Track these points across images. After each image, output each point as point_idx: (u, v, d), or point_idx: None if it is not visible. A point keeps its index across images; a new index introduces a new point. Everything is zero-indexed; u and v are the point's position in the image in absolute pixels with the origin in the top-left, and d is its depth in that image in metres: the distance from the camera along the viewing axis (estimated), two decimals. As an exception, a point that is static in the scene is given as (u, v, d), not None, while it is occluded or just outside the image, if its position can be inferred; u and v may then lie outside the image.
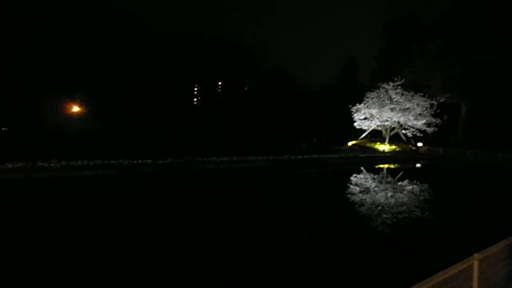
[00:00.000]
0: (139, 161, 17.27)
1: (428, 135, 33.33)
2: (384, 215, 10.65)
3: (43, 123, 32.51)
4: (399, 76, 33.78)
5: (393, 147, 33.46)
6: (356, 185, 17.33)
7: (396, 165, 28.40)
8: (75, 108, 36.92)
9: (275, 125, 51.11)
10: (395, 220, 10.11)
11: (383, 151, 32.49)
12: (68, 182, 13.84)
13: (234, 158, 20.73)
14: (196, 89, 76.56)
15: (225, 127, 49.59)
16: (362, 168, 24.22)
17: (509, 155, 28.42)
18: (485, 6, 34.35)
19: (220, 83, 76.35)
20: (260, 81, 74.86)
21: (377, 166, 26.64)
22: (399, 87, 33.35)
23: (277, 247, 7.44)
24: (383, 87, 33.86)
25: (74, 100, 37.18)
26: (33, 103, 34.25)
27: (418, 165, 30.46)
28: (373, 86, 38.13)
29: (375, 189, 16.07)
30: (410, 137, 34.18)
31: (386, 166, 27.08)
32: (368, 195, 14.19)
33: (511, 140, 30.69)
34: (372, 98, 34.00)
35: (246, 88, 77.00)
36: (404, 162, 29.93)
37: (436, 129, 32.89)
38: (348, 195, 14.66)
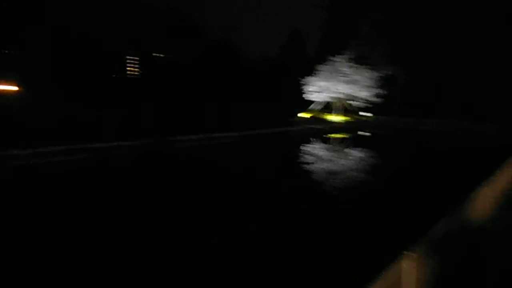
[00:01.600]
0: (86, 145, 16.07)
1: (373, 105, 35.72)
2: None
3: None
4: (347, 50, 35.24)
5: (343, 117, 35.47)
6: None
7: (348, 134, 30.28)
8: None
9: (225, 96, 50.60)
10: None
11: (334, 121, 34.28)
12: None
13: (201, 135, 20.30)
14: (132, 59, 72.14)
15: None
16: (321, 138, 25.48)
17: (441, 121, 32.39)
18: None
19: (160, 54, 72.73)
20: (205, 52, 72.72)
21: (333, 135, 28.20)
22: (348, 59, 34.88)
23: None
24: (333, 60, 35.11)
25: None
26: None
27: (362, 133, 32.69)
28: (320, 57, 39.48)
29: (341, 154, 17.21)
30: (357, 108, 36.33)
31: (341, 135, 28.83)
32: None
33: (442, 107, 34.61)
34: (323, 71, 35.17)
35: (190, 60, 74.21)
36: (354, 131, 32.00)
37: (381, 99, 35.35)
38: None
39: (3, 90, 33.38)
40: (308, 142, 23.34)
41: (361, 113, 36.82)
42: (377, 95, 35.39)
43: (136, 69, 70.74)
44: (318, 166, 14.69)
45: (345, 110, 37.00)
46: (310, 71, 36.63)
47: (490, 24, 32.77)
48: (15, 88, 34.20)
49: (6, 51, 36.54)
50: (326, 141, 24.65)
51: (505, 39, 32.14)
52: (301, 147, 21.06)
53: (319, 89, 35.49)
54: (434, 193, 10.27)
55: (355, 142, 26.00)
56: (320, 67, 35.69)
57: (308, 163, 15.41)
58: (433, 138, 29.66)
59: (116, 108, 33.40)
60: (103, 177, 12.02)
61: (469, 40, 33.47)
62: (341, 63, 34.58)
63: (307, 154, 18.19)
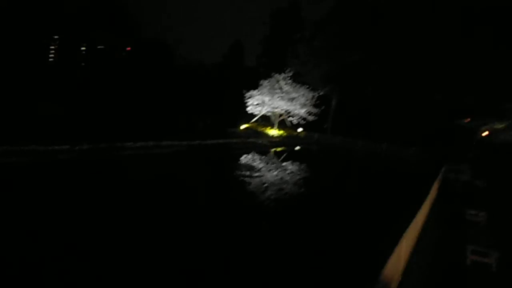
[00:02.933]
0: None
1: (308, 122, 38.09)
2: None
3: None
4: (288, 68, 37.31)
5: (281, 132, 37.27)
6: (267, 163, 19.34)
7: (284, 148, 31.98)
8: None
9: (156, 98, 48.84)
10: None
11: (273, 136, 35.81)
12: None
13: (131, 143, 19.42)
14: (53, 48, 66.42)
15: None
16: (264, 151, 26.61)
17: (366, 142, 35.99)
18: (353, 13, 40.49)
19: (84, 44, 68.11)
20: (135, 48, 69.72)
21: (272, 150, 29.58)
22: (288, 78, 36.87)
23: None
24: (275, 77, 36.79)
25: None
26: None
27: (297, 148, 34.82)
28: (260, 71, 41.08)
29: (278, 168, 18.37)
30: (294, 124, 38.43)
31: (279, 149, 30.36)
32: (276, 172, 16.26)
33: (369, 129, 38.47)
34: (266, 86, 36.60)
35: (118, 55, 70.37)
36: (290, 146, 33.84)
37: (315, 117, 37.90)
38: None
39: None
40: (249, 154, 24.23)
41: (298, 129, 38.96)
42: (312, 113, 37.83)
43: (58, 57, 65.10)
44: (256, 178, 15.61)
45: (282, 124, 38.86)
46: (249, 83, 37.93)
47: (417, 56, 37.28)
48: None
49: None
50: (266, 153, 25.85)
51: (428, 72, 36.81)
52: (243, 159, 21.81)
53: (260, 102, 36.76)
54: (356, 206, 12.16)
55: (292, 155, 27.72)
56: (262, 81, 37.05)
57: (247, 175, 16.15)
58: (356, 155, 33.09)
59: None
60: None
61: (397, 69, 37.81)
62: (283, 81, 36.38)
63: (247, 165, 19.06)
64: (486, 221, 9.97)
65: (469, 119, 36.69)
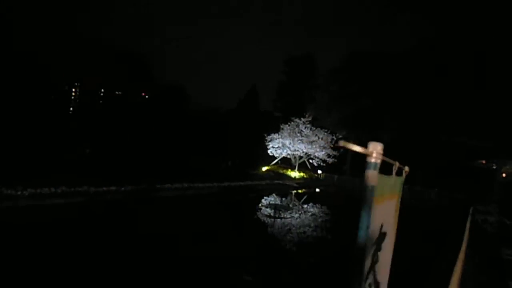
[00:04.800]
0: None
1: (327, 164, 38.99)
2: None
3: None
4: (307, 113, 39.04)
5: (302, 174, 38.13)
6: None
7: (307, 190, 32.62)
8: None
9: (176, 142, 50.40)
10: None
11: (294, 177, 36.63)
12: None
13: (168, 185, 20.50)
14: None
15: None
16: (288, 193, 27.38)
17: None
18: (364, 65, 42.96)
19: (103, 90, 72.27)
20: (153, 93, 73.18)
21: (295, 191, 30.32)
22: (308, 122, 38.44)
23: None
24: (295, 121, 38.42)
25: None
26: None
27: (317, 190, 35.33)
28: (273, 113, 43.35)
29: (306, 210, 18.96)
30: (314, 166, 39.36)
31: (301, 191, 31.07)
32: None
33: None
34: (286, 130, 38.14)
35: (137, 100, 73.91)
36: (311, 187, 34.44)
37: (334, 159, 38.84)
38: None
39: None
40: (274, 195, 25.04)
41: (318, 171, 39.78)
42: (331, 155, 38.83)
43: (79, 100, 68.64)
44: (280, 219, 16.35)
45: (303, 167, 39.78)
46: (265, 126, 39.64)
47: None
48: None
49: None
50: (289, 195, 26.63)
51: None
52: (269, 201, 22.63)
53: (281, 145, 38.08)
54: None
55: (314, 196, 28.34)
56: (282, 125, 38.65)
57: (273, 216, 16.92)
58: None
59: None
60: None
61: (407, 117, 39.35)
62: (303, 125, 37.94)
63: (272, 206, 19.89)
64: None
65: (484, 161, 37.18)
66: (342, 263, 10.83)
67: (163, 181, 20.31)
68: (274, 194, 25.41)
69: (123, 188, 17.38)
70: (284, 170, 38.34)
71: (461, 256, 9.30)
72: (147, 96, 75.16)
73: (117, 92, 73.94)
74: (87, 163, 27.94)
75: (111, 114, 65.38)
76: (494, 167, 34.83)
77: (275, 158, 40.00)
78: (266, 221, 16.17)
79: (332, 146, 38.70)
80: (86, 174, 18.30)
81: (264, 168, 38.64)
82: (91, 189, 16.01)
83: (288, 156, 39.57)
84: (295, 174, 37.78)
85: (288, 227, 14.49)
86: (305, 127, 38.11)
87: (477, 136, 36.93)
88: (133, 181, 18.56)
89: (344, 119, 42.64)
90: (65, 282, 6.78)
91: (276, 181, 31.33)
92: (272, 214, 17.53)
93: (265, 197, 24.21)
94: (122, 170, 25.95)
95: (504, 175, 34.21)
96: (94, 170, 22.59)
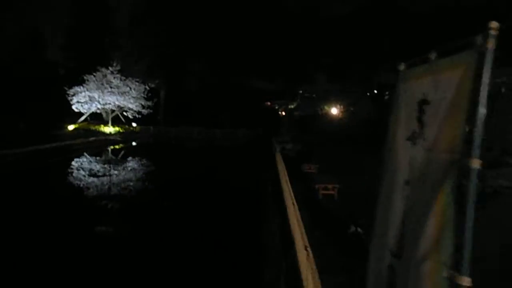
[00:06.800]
0: None
1: (143, 116, 38.22)
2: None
3: None
4: (115, 61, 35.98)
5: (117, 128, 35.95)
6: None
7: (124, 144, 31.61)
8: None
9: None
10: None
11: (110, 133, 34.32)
12: None
13: None
14: None
15: None
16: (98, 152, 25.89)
17: (200, 129, 39.40)
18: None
19: None
20: None
21: (112, 147, 28.99)
22: (116, 72, 35.66)
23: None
24: (102, 71, 34.87)
25: None
26: None
27: (134, 143, 34.67)
28: (65, 64, 38.69)
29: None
30: (130, 118, 37.79)
31: (118, 146, 29.99)
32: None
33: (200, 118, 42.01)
34: (93, 82, 34.27)
35: None
36: (128, 142, 33.47)
37: (149, 110, 38.37)
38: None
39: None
40: (88, 154, 23.66)
41: (133, 124, 38.44)
42: (145, 106, 38.12)
43: None
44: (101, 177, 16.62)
45: (117, 121, 37.56)
46: (58, 80, 34.93)
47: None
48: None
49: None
50: (104, 152, 25.71)
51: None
52: (81, 161, 21.44)
53: (88, 99, 34.28)
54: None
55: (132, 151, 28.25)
56: (87, 76, 34.45)
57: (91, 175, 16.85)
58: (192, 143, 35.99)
59: None
60: None
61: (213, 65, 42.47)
62: (111, 75, 34.98)
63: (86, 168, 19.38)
64: (317, 170, 14.71)
65: (269, 103, 45.86)
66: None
67: None
68: (87, 153, 23.69)
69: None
70: (96, 127, 35.20)
71: (281, 168, 12.61)
72: None
73: None
74: None
75: None
76: (277, 107, 43.46)
77: (83, 114, 35.92)
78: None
79: (145, 96, 37.77)
80: None
81: (71, 127, 34.31)
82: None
83: (99, 111, 36.29)
84: (109, 129, 35.34)
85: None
86: (114, 77, 35.34)
87: (267, 80, 44.49)
88: None
89: (152, 67, 41.67)
90: None
91: (92, 138, 28.72)
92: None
93: (83, 157, 22.35)
94: None
95: (283, 113, 42.99)
96: None
